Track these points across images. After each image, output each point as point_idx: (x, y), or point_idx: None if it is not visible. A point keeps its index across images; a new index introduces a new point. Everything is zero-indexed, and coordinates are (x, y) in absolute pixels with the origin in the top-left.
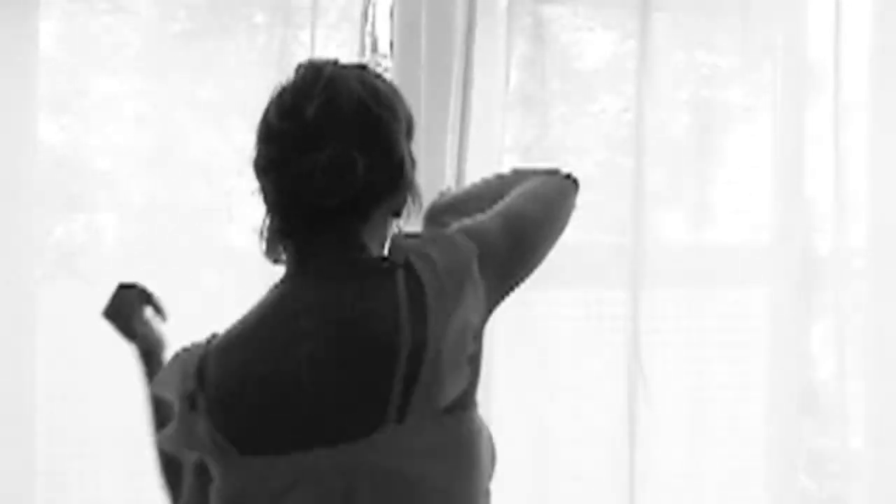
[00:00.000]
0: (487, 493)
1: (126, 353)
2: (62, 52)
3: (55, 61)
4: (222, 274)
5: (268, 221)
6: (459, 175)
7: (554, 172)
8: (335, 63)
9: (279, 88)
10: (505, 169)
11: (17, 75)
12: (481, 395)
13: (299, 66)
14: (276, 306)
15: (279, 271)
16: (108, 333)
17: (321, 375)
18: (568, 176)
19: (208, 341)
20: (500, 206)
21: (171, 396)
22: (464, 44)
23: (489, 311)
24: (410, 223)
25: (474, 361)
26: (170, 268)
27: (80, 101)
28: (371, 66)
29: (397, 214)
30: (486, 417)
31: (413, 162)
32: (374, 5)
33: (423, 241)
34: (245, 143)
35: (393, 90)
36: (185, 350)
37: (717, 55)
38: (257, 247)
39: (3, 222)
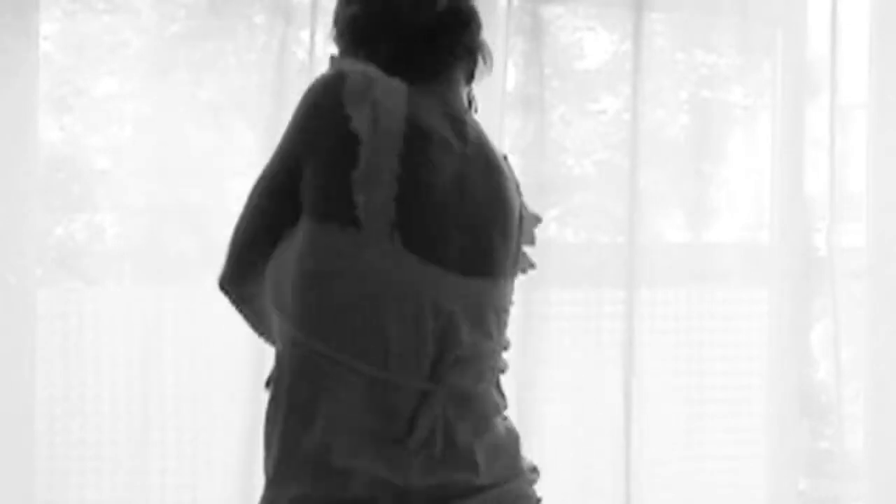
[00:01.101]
0: None
1: (126, 354)
2: (62, 52)
3: (55, 61)
4: None
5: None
6: None
7: None
8: None
9: None
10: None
11: (17, 75)
12: None
13: None
14: (427, 112)
15: None
16: (108, 333)
17: (490, 215)
18: None
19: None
20: None
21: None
22: None
23: None
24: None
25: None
26: (170, 268)
27: (80, 101)
28: None
29: (470, 78)
30: None
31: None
32: None
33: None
34: (245, 143)
35: None
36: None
37: (716, 55)
38: None
39: (3, 222)
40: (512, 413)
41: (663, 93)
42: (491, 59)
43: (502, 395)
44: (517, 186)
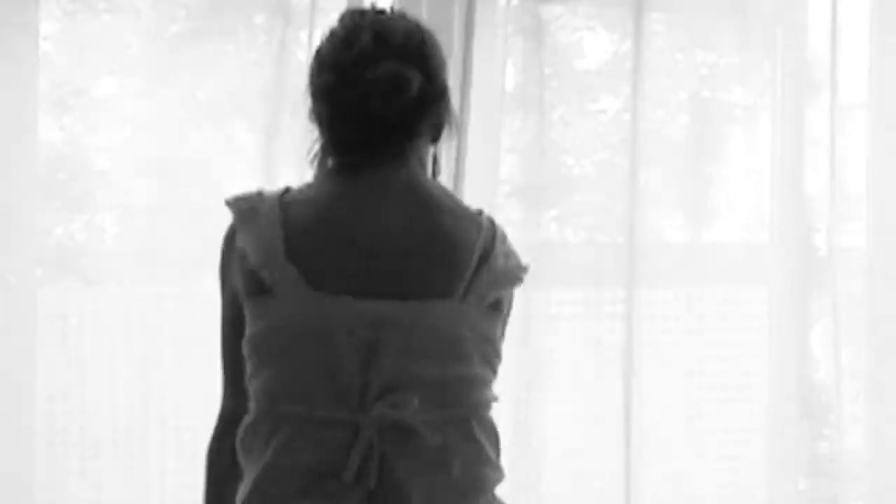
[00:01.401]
0: None
1: (126, 354)
2: (62, 52)
3: (55, 61)
4: None
5: (321, 141)
6: (458, 175)
7: None
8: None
9: (328, 31)
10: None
11: (17, 75)
12: None
13: (344, 14)
14: (354, 187)
15: None
16: (108, 333)
17: (409, 241)
18: None
19: (281, 195)
20: None
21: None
22: (463, 44)
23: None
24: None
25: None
26: (170, 268)
27: (80, 101)
28: None
29: (435, 140)
30: None
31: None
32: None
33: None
34: (245, 143)
35: (428, 28)
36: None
37: (716, 55)
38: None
39: (3, 222)
40: (512, 413)
41: (663, 93)
42: (452, 119)
43: (495, 446)
44: (494, 235)
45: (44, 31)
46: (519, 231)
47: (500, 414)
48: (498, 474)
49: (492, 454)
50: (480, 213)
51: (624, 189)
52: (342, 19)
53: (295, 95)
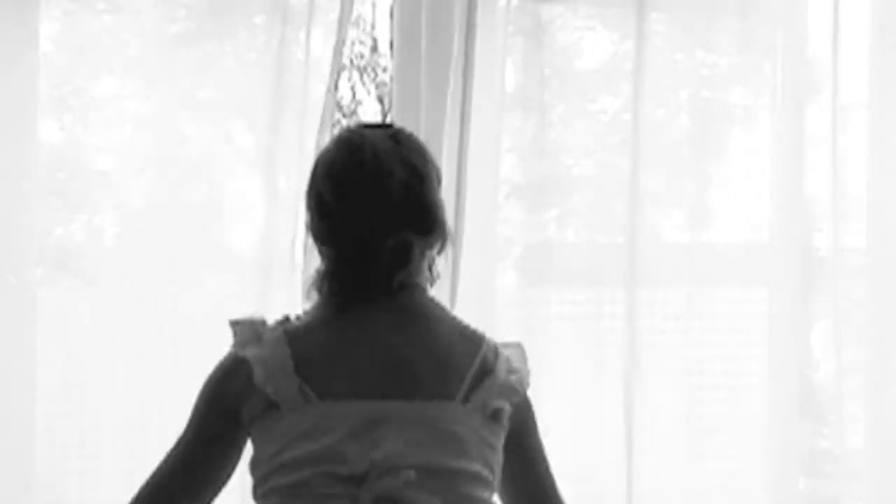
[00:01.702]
0: None
1: (125, 354)
2: (62, 52)
3: (55, 61)
4: (222, 274)
5: (323, 271)
6: (460, 175)
7: None
8: (371, 135)
9: (327, 160)
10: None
11: (17, 75)
12: None
13: (339, 139)
14: (356, 312)
15: (278, 271)
16: (108, 333)
17: (413, 352)
18: None
19: (281, 323)
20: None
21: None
22: (464, 44)
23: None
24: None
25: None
26: (170, 268)
27: (80, 101)
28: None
29: (438, 252)
30: None
31: (444, 207)
32: (374, 5)
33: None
34: (245, 143)
35: (424, 147)
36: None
37: (716, 55)
38: (256, 247)
39: (3, 222)
40: None
41: (663, 93)
42: (444, 232)
43: None
44: (497, 353)
45: (44, 31)
46: (519, 231)
47: None
48: None
49: None
50: (483, 334)
51: (624, 189)
52: (338, 143)
53: (295, 96)
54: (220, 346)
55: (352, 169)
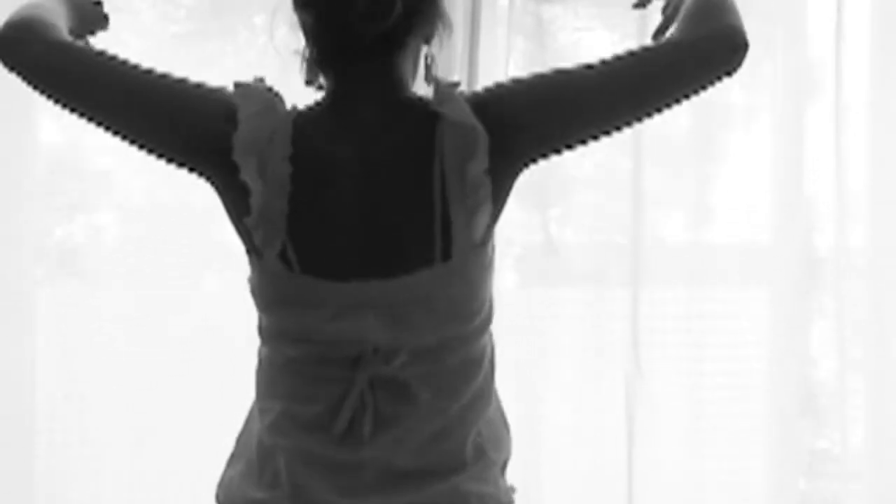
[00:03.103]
0: None
1: (125, 354)
2: None
3: None
4: (222, 274)
5: (307, 51)
6: None
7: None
8: None
9: None
10: None
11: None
12: None
13: None
14: (329, 114)
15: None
16: (108, 333)
17: (378, 207)
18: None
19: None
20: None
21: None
22: (468, 44)
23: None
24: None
25: (495, 197)
26: (170, 268)
27: None
28: None
29: (428, 41)
30: None
31: None
32: None
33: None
34: None
35: None
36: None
37: None
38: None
39: (3, 222)
40: (513, 412)
41: None
42: (445, 21)
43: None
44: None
45: None
46: (519, 231)
47: None
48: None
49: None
50: (458, 86)
51: (624, 189)
52: None
53: (295, 95)
54: (221, 346)
55: None
